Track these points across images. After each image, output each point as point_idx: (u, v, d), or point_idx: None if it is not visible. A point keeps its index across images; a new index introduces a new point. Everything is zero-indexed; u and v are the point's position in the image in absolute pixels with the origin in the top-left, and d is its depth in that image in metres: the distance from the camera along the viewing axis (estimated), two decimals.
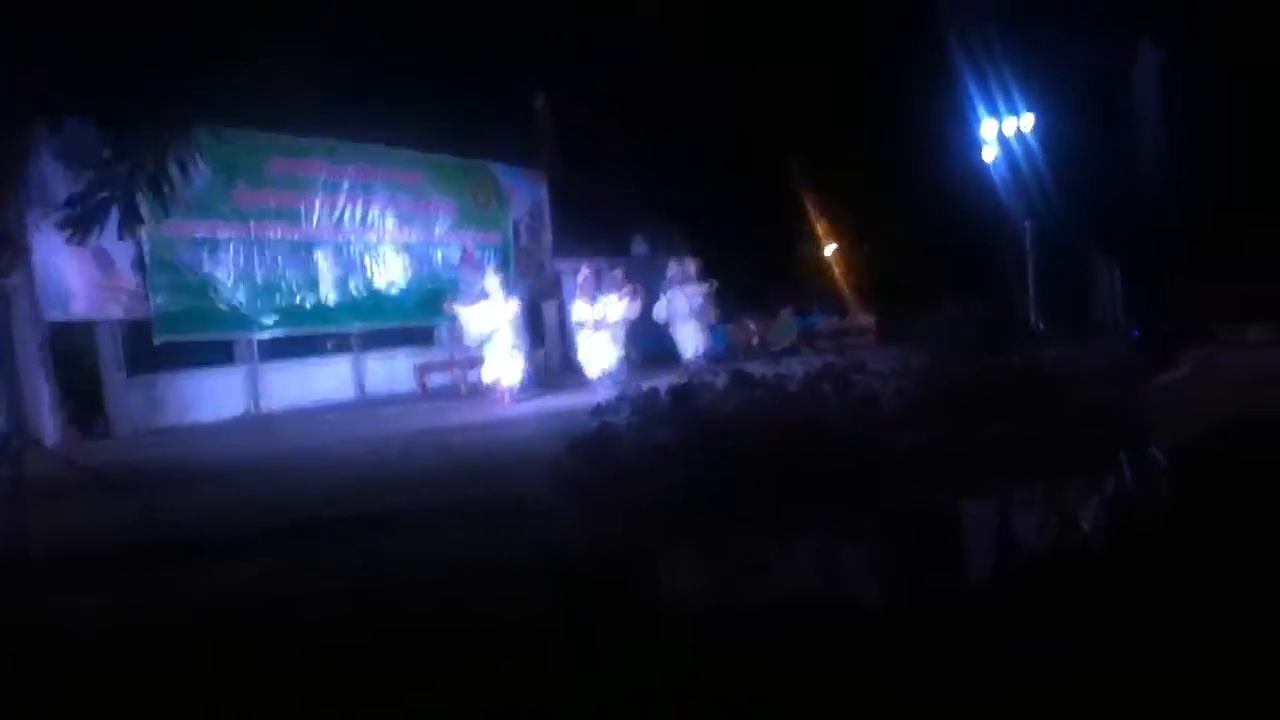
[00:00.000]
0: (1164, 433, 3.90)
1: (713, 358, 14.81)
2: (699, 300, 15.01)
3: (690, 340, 14.98)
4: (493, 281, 12.97)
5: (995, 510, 3.14)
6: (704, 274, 15.35)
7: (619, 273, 14.30)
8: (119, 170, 6.12)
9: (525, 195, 18.89)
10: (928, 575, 2.99)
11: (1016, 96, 16.27)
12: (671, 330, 15.15)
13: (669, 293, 15.08)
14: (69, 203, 6.31)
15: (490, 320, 12.71)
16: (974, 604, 2.99)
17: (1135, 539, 3.39)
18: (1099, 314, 12.79)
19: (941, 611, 2.92)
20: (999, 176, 17.31)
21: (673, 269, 15.26)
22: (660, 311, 15.11)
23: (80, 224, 6.32)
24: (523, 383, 12.83)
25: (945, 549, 3.02)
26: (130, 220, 6.47)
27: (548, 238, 19.39)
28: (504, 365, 12.65)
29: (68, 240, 6.76)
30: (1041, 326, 16.38)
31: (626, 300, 13.86)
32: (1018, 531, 3.18)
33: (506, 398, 12.49)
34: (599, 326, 13.52)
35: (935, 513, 3.02)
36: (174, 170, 6.36)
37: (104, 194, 6.18)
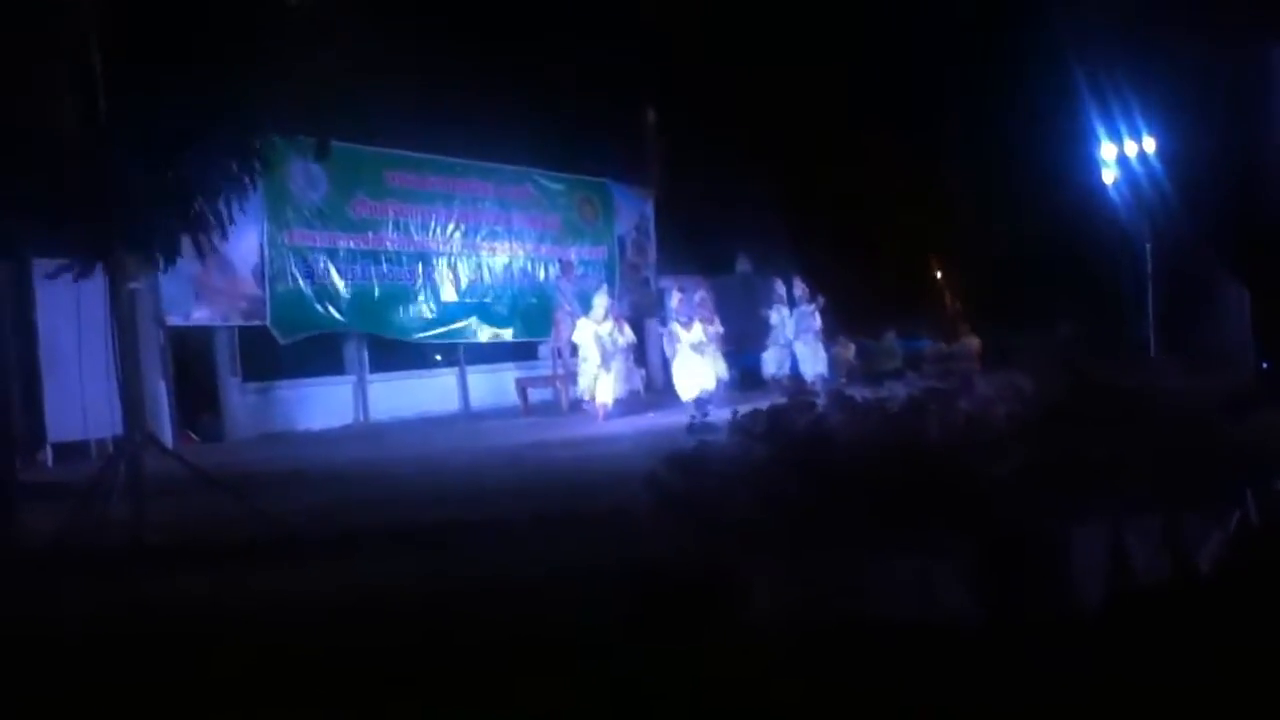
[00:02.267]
0: None
1: (825, 381, 14.78)
2: (817, 319, 15.21)
3: (811, 359, 15.07)
4: (599, 300, 13.12)
5: (1104, 538, 3.00)
6: (811, 293, 15.49)
7: (701, 294, 14.41)
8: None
9: (632, 211, 18.97)
10: (1022, 600, 2.87)
11: (1138, 117, 15.77)
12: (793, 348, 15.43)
13: (795, 311, 15.24)
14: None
15: (582, 335, 12.83)
16: (1069, 633, 2.85)
17: (1259, 577, 3.21)
18: (1224, 342, 12.22)
19: (1031, 638, 2.79)
20: (1119, 198, 16.80)
21: (798, 288, 15.41)
22: (790, 329, 15.35)
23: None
24: (618, 400, 12.88)
25: (1047, 574, 2.90)
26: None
27: (653, 254, 19.43)
28: (594, 381, 12.72)
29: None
30: (1161, 353, 15.79)
31: (703, 325, 13.95)
32: (1128, 561, 3.04)
33: (601, 414, 12.55)
34: (696, 349, 13.53)
35: (1038, 537, 2.90)
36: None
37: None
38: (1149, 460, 3.39)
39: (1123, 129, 16.14)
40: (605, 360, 12.75)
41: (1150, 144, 15.79)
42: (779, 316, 15.51)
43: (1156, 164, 15.55)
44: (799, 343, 15.37)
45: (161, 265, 6.63)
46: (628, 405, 13.23)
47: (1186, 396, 4.24)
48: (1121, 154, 16.42)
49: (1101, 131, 16.56)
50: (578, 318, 13.41)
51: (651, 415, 12.78)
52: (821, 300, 15.44)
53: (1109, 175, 16.90)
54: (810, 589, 2.98)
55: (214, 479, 6.46)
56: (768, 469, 3.38)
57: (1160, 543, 3.18)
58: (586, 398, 12.87)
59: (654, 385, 17.82)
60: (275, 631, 3.65)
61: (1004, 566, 2.90)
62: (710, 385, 13.52)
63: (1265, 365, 9.93)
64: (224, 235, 6.86)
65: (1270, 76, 9.31)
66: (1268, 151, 9.39)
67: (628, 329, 13.72)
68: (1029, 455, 3.26)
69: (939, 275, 25.54)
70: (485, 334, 16.23)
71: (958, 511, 2.96)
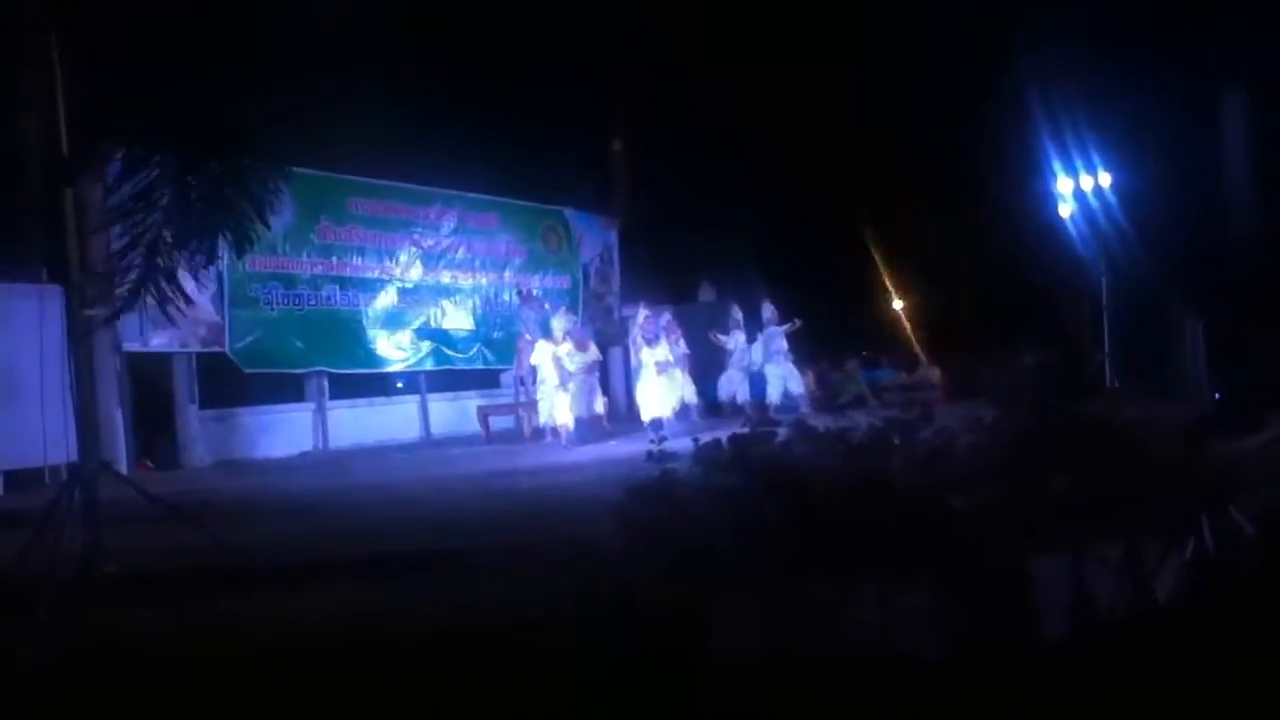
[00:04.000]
0: (1247, 498, 3.74)
1: (787, 407, 14.82)
2: (784, 341, 15.27)
3: (781, 383, 15.25)
4: (557, 323, 13.14)
5: (1065, 568, 3.03)
6: (781, 315, 15.56)
7: (667, 316, 14.50)
8: (195, 204, 6.27)
9: (596, 239, 19.03)
10: (992, 632, 2.89)
11: (1094, 152, 16.07)
12: (763, 371, 15.53)
13: (764, 334, 15.35)
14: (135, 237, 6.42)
15: (541, 356, 12.91)
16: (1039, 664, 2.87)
17: (1216, 604, 3.25)
18: (1180, 372, 12.43)
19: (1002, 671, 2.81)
20: (1075, 231, 17.07)
21: (767, 311, 15.49)
22: (757, 353, 15.43)
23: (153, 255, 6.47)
24: (580, 420, 12.90)
25: (1011, 605, 2.92)
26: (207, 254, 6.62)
27: (617, 282, 19.48)
28: (551, 406, 12.77)
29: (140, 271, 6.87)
30: (1118, 384, 16.02)
31: (668, 345, 14.06)
32: (1088, 591, 3.07)
33: (564, 439, 12.59)
34: (662, 369, 13.57)
35: (1001, 568, 2.92)
36: (248, 205, 6.50)
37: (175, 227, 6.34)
38: (1108, 490, 3.43)
39: (1079, 164, 16.44)
40: (563, 381, 12.79)
41: (1106, 179, 16.11)
42: (735, 342, 15.60)
43: (1113, 198, 15.85)
44: (769, 365, 15.45)
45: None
46: (591, 430, 13.21)
47: (1143, 427, 4.28)
48: (1078, 188, 16.71)
49: (1058, 166, 16.86)
50: (568, 339, 13.37)
51: (614, 442, 12.76)
52: (797, 323, 15.49)
53: (1066, 209, 17.17)
54: (778, 623, 2.98)
55: (170, 507, 6.36)
56: (733, 500, 3.38)
57: (1120, 571, 3.21)
58: (546, 422, 12.88)
59: (618, 412, 17.80)
60: (232, 666, 3.59)
61: (968, 598, 2.92)
62: (674, 406, 13.62)
63: (1219, 396, 10.10)
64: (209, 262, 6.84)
65: (1221, 117, 9.56)
66: (1221, 189, 9.62)
67: (593, 347, 13.74)
68: (991, 487, 3.29)
69: (900, 304, 25.75)
70: (448, 361, 16.15)
71: (922, 544, 2.98)
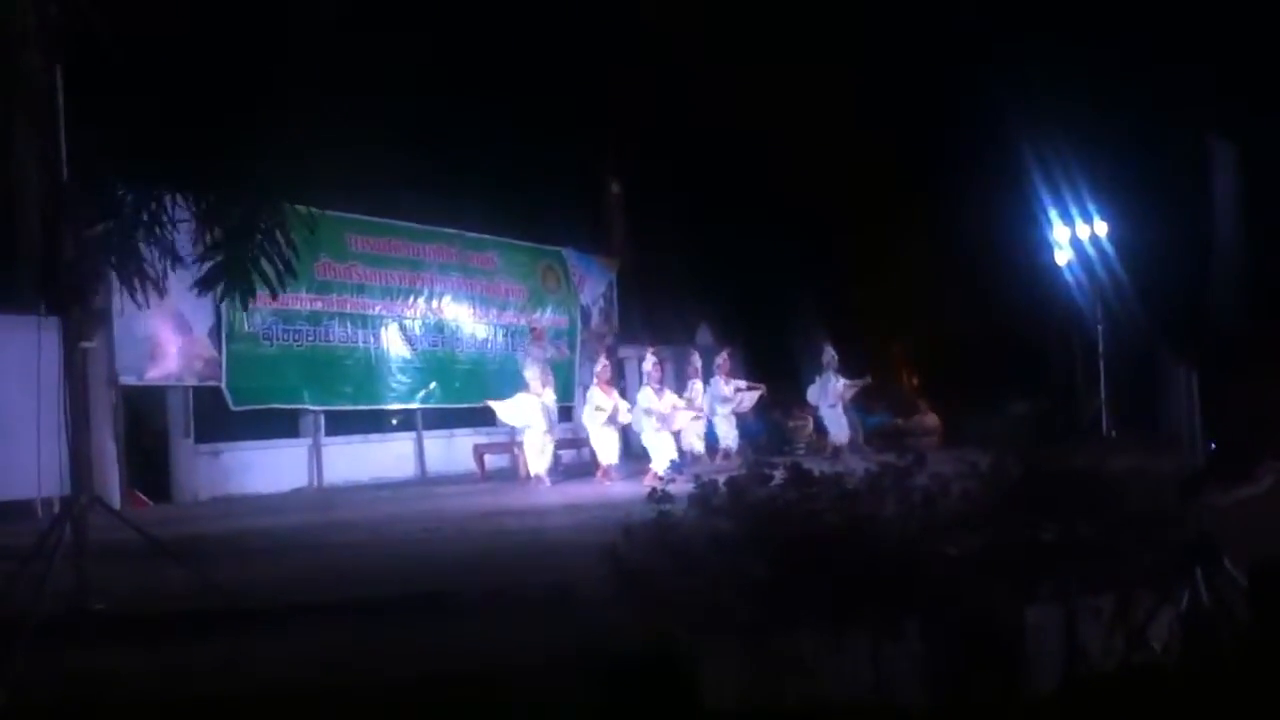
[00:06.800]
0: (1240, 550, 3.72)
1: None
2: (848, 390, 15.76)
3: (838, 426, 15.71)
4: (532, 372, 13.14)
5: (1057, 618, 3.02)
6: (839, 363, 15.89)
7: (724, 356, 15.13)
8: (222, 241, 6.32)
9: (596, 281, 19.04)
10: (983, 682, 2.87)
11: (1088, 201, 16.18)
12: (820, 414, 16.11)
13: (823, 377, 15.75)
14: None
15: (525, 412, 13.00)
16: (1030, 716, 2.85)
17: (1210, 656, 3.22)
18: (1174, 421, 12.43)
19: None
20: (1071, 279, 17.16)
21: (827, 354, 15.89)
22: (814, 394, 15.92)
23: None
24: (556, 468, 13.23)
25: (1002, 656, 2.90)
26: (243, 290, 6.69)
27: (615, 323, 19.48)
28: (536, 453, 12.90)
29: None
30: (1114, 432, 16.01)
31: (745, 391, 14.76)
32: (1081, 642, 3.05)
33: (542, 483, 12.70)
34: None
35: (993, 618, 2.91)
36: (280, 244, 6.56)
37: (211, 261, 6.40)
38: (1102, 541, 3.42)
39: (1075, 212, 16.55)
40: (551, 428, 13.01)
41: (1102, 228, 16.21)
42: (820, 382, 15.84)
43: (1108, 246, 15.96)
44: (828, 406, 15.73)
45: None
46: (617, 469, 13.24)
47: (1138, 476, 4.28)
48: (1074, 236, 16.80)
49: (1054, 214, 16.96)
50: (547, 384, 13.32)
51: (608, 484, 12.72)
52: (869, 379, 15.82)
53: (1062, 256, 17.27)
54: (766, 672, 2.95)
55: (160, 543, 6.32)
56: (725, 546, 3.37)
57: (1112, 623, 3.19)
58: (533, 471, 12.88)
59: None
60: (209, 712, 3.55)
61: (959, 648, 2.90)
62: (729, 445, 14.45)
63: (1213, 446, 10.07)
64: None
65: (1211, 164, 9.64)
66: (1213, 236, 9.68)
67: (616, 396, 13.66)
68: (984, 536, 3.27)
69: (896, 351, 25.75)
70: (444, 399, 16.13)
71: (913, 593, 2.96)
